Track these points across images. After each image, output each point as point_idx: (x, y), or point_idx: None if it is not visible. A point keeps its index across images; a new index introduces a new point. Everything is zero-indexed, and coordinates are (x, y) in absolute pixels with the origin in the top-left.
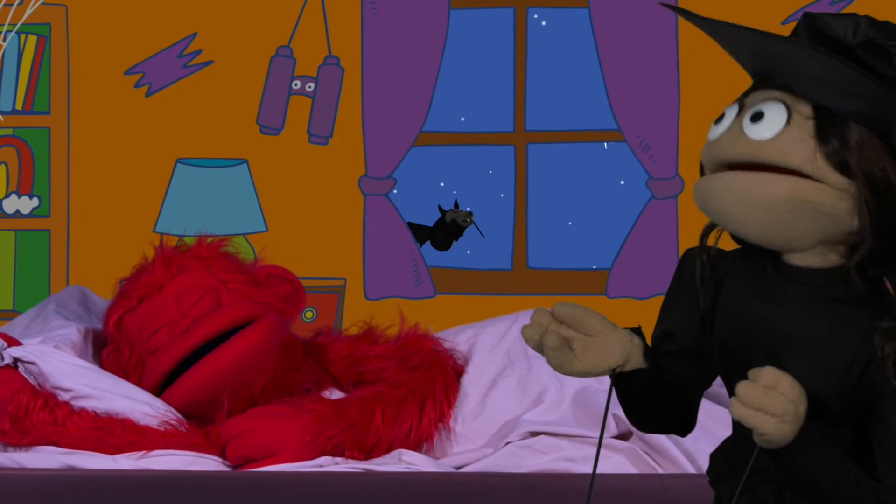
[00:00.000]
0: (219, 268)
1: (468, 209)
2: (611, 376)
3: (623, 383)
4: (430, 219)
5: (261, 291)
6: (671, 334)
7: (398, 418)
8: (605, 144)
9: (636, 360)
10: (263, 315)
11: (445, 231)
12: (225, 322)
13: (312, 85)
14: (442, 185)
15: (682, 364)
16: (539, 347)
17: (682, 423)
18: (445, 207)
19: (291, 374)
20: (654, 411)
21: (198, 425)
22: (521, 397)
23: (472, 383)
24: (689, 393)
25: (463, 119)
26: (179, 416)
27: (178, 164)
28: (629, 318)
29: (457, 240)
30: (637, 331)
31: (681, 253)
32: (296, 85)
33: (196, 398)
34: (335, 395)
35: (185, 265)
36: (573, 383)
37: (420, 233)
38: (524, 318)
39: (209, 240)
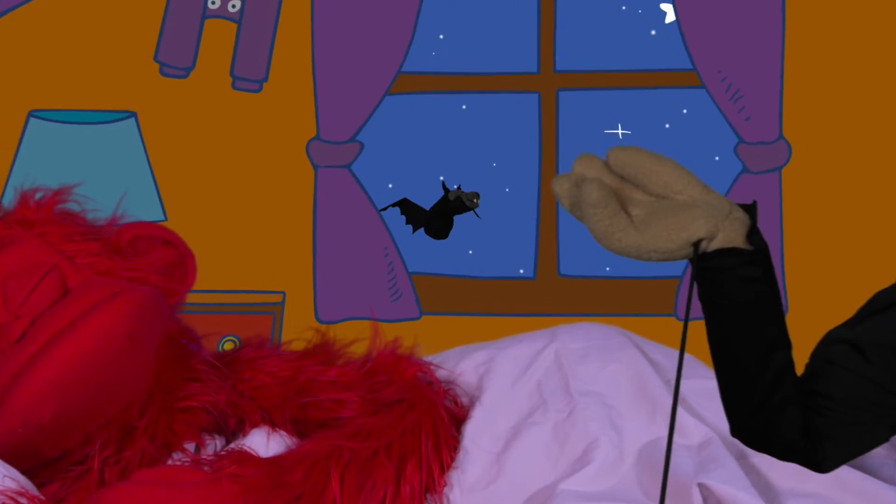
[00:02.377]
0: (58, 235)
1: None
2: (692, 260)
3: (710, 274)
4: (390, 191)
5: (126, 262)
6: (860, 349)
7: (365, 487)
8: (675, 92)
9: (732, 238)
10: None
11: (445, 215)
12: (77, 317)
13: (238, 3)
14: (430, 151)
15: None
16: (574, 208)
17: (791, 424)
18: (435, 189)
19: (189, 385)
20: (754, 359)
21: (55, 483)
22: (557, 455)
23: (479, 433)
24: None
25: (462, 55)
26: (22, 480)
27: (31, 119)
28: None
29: (452, 223)
30: (749, 207)
31: (788, 251)
32: (213, 3)
33: (36, 420)
34: (271, 443)
35: (6, 237)
36: (636, 434)
37: (415, 215)
38: (565, 335)
39: (38, 196)
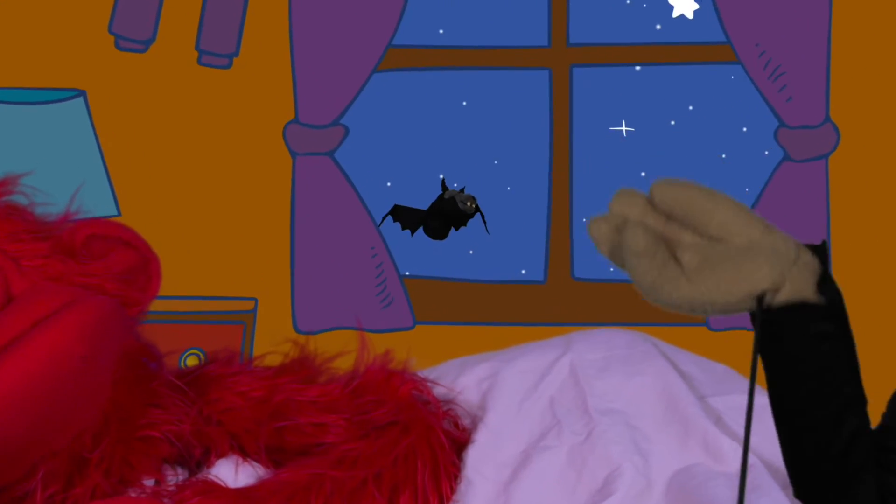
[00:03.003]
0: (1, 233)
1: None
2: (754, 312)
3: (776, 330)
4: (399, 197)
5: (80, 266)
6: None
7: None
8: (706, 69)
9: (801, 289)
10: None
11: (444, 213)
12: (22, 330)
13: None
14: (425, 136)
15: None
16: (615, 255)
17: (868, 489)
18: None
19: (149, 412)
20: (826, 421)
21: None
22: (573, 485)
23: (484, 459)
24: None
25: (461, 26)
26: None
27: None
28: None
29: (457, 228)
30: (818, 249)
31: (835, 252)
32: None
33: None
34: (241, 475)
35: None
36: (665, 460)
37: (409, 218)
38: (581, 344)
39: None
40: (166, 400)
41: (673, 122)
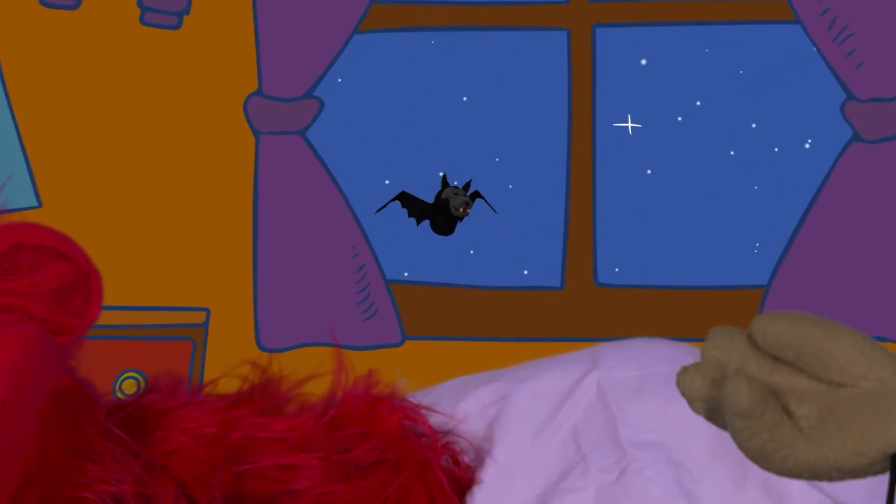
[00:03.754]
0: None
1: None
2: (893, 477)
3: None
4: (387, 189)
5: (2, 283)
6: None
7: None
8: (756, 28)
9: None
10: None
11: (446, 210)
12: None
13: None
14: (416, 110)
15: None
16: (714, 415)
17: None
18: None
19: (82, 467)
20: None
21: None
22: None
23: (492, 502)
24: None
25: None
26: None
27: None
28: None
29: (460, 220)
30: None
31: None
32: None
33: None
34: None
35: None
36: (718, 500)
37: (416, 207)
38: (611, 358)
39: None
40: (104, 452)
41: (718, 91)
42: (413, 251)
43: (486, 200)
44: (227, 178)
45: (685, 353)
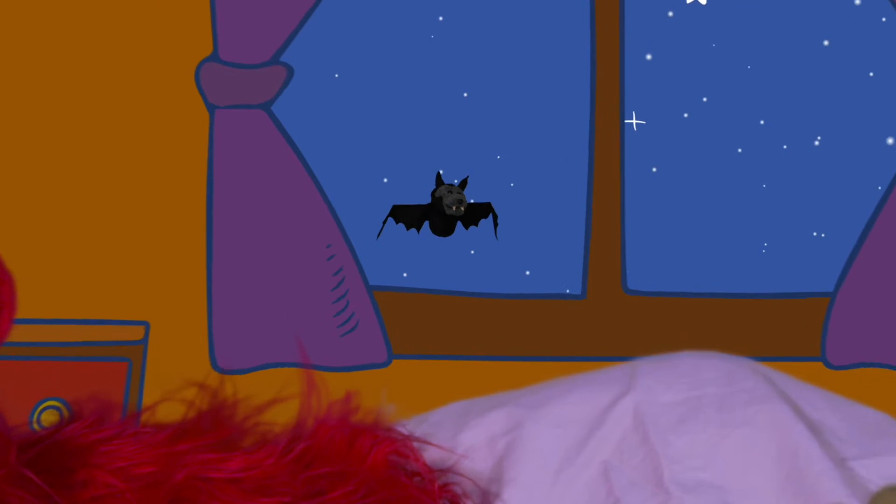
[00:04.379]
0: None
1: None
2: None
3: None
4: (386, 188)
5: None
6: None
7: None
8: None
9: None
10: None
11: (441, 209)
12: None
13: None
14: (407, 78)
15: None
16: None
17: None
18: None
19: None
20: None
21: None
22: None
23: None
24: None
25: None
26: None
27: None
28: None
29: (466, 225)
30: None
31: None
32: None
33: None
34: None
35: None
36: None
37: (411, 216)
38: (651, 378)
39: None
40: (12, 501)
41: (705, 99)
42: (402, 251)
43: (494, 216)
44: (175, 163)
45: (744, 369)
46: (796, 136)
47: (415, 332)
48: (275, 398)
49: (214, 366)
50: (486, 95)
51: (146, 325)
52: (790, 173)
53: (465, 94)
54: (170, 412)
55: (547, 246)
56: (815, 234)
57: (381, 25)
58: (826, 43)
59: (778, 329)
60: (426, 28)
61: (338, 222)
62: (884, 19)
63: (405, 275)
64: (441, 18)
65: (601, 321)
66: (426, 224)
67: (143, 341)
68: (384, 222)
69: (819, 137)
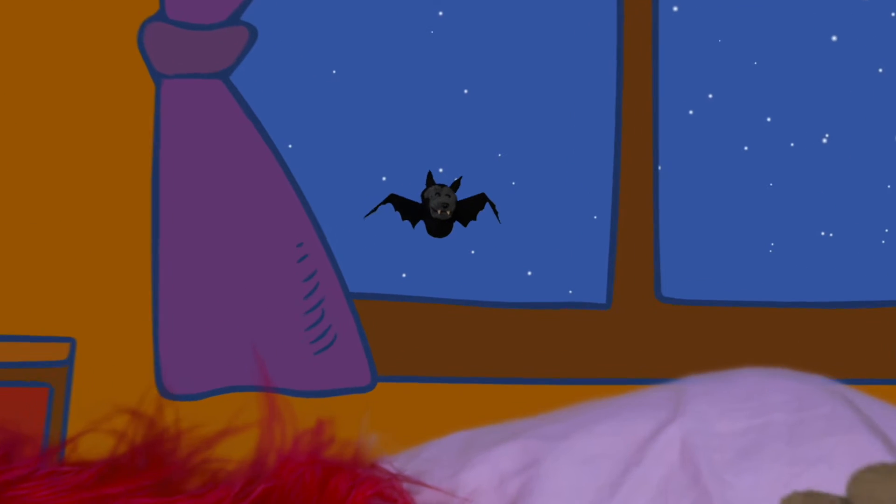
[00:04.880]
0: None
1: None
2: None
3: None
4: (384, 186)
5: None
6: None
7: None
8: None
9: None
10: None
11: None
12: None
13: None
14: (407, 84)
15: None
16: None
17: None
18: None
19: None
20: None
21: None
22: None
23: None
24: None
25: None
26: None
27: None
28: None
29: (465, 223)
30: None
31: None
32: None
33: None
34: None
35: None
36: None
37: (408, 210)
38: (702, 402)
39: None
40: None
41: (710, 96)
42: (389, 252)
43: (491, 204)
44: (111, 144)
45: (820, 393)
46: (804, 134)
47: (404, 350)
48: (227, 428)
49: (161, 390)
50: (487, 92)
51: (72, 341)
52: (797, 171)
53: (466, 91)
54: (96, 446)
55: (562, 248)
56: (822, 233)
57: (378, 21)
58: (834, 38)
59: (852, 344)
60: (425, 23)
61: (311, 218)
62: (893, 14)
63: (404, 275)
64: (441, 13)
65: (630, 334)
66: (421, 223)
67: (68, 361)
68: (379, 204)
69: (827, 135)
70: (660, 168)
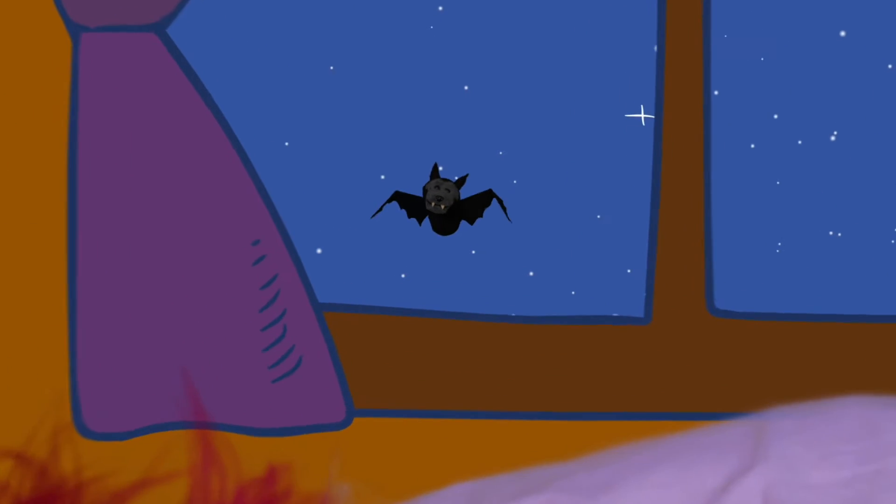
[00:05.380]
0: None
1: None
2: None
3: None
4: (383, 184)
5: None
6: None
7: None
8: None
9: None
10: None
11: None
12: None
13: None
14: (405, 80)
15: None
16: None
17: None
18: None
19: None
20: None
21: None
22: None
23: None
24: None
25: None
26: None
27: None
28: None
29: (471, 221)
30: None
31: None
32: None
33: None
34: None
35: None
36: None
37: (414, 206)
38: (794, 443)
39: None
40: None
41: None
42: (369, 255)
43: (499, 200)
44: (13, 117)
45: None
46: (811, 132)
47: (388, 376)
48: (145, 478)
49: (80, 427)
50: (488, 88)
51: None
52: (805, 170)
53: (466, 88)
54: None
55: (585, 253)
56: (830, 233)
57: (376, 15)
58: (843, 34)
59: None
60: (424, 18)
61: (270, 208)
62: None
63: (403, 276)
64: (441, 8)
65: (677, 354)
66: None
67: None
68: (385, 203)
69: (835, 132)
70: (712, 160)
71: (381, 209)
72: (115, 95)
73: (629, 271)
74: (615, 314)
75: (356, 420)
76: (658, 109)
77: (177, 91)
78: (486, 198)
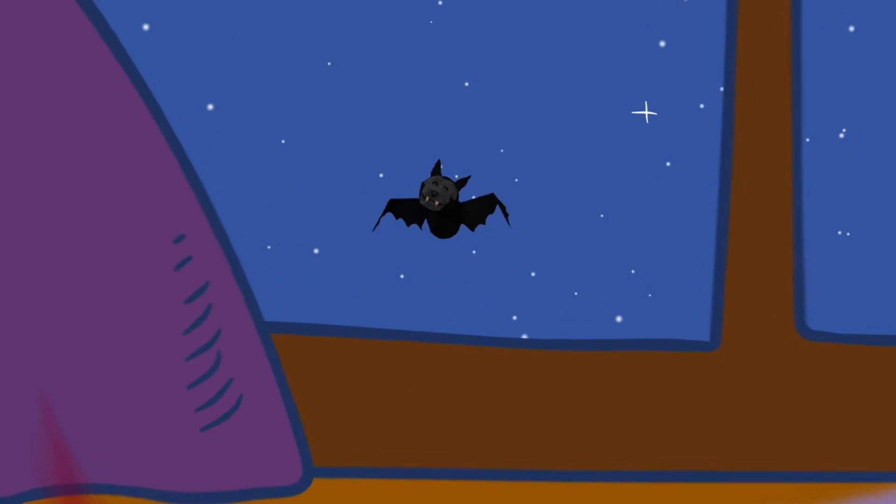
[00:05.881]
0: None
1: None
2: None
3: None
4: (382, 183)
5: None
6: None
7: None
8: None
9: None
10: None
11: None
12: None
13: None
14: (405, 76)
15: None
16: None
17: None
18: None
19: None
20: None
21: None
22: None
23: None
24: None
25: None
26: None
27: None
28: None
29: (472, 227)
30: None
31: None
32: None
33: None
34: None
35: None
36: None
37: (410, 211)
38: None
39: None
40: None
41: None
42: (341, 253)
43: (501, 206)
44: None
45: None
46: (820, 129)
47: (359, 424)
48: None
49: None
50: (489, 85)
51: None
52: (812, 167)
53: (467, 84)
54: None
55: (585, 253)
56: (839, 232)
57: (374, 10)
58: (851, 29)
59: None
60: (424, 13)
61: (201, 198)
62: None
63: (402, 276)
64: (440, 2)
65: (755, 388)
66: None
67: None
68: (381, 216)
69: (844, 130)
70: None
71: (378, 222)
72: (9, 52)
73: (633, 272)
74: (702, 340)
75: (315, 481)
76: (728, 101)
77: (85, 50)
78: (489, 204)
